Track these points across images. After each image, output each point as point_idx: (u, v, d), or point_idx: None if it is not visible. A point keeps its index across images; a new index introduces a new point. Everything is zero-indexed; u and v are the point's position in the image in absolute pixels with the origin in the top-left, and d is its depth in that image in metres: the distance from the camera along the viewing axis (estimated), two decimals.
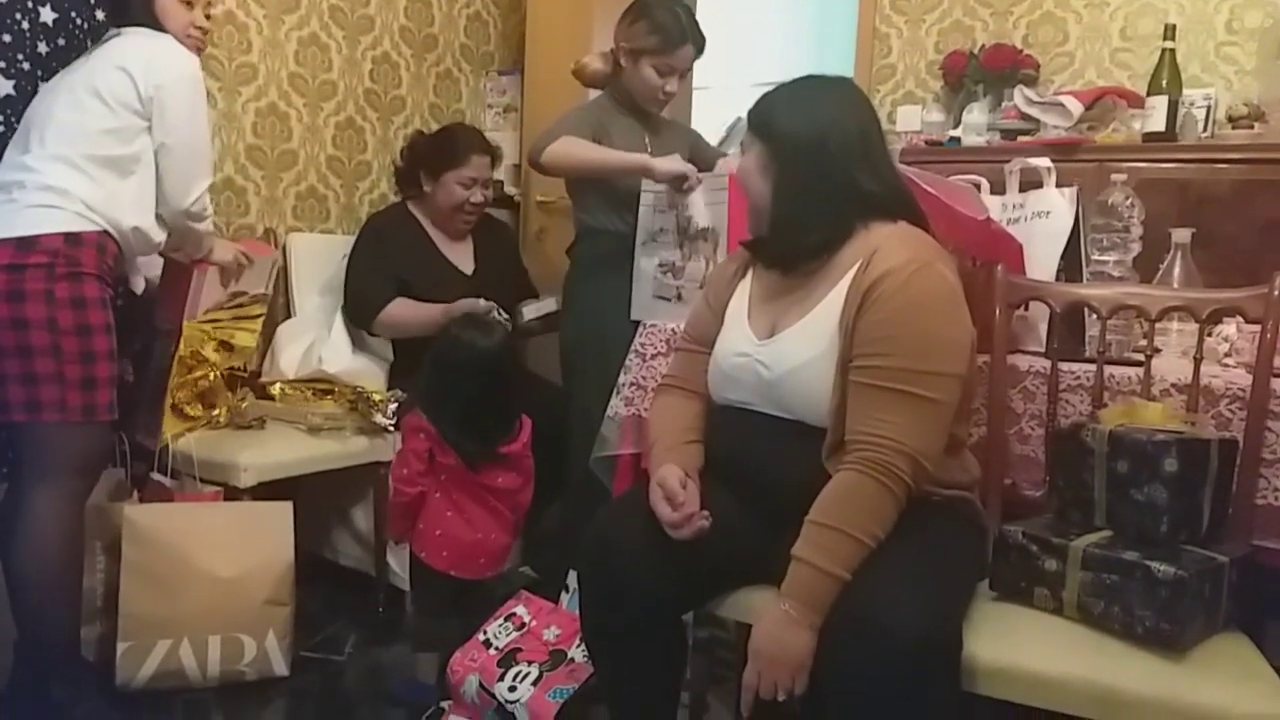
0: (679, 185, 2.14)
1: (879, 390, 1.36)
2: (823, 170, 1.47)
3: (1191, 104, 2.66)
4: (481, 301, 2.51)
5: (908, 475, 1.33)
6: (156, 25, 1.93)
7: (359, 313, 2.64)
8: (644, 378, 2.02)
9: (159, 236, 1.94)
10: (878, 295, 1.38)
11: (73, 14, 2.15)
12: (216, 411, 2.40)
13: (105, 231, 1.80)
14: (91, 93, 1.81)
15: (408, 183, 2.80)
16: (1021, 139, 2.85)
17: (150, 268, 2.17)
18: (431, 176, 2.69)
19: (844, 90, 1.55)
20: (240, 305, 2.35)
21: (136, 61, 1.84)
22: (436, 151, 2.71)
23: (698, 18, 2.43)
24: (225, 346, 2.34)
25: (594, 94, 2.58)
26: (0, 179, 1.80)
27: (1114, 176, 1.85)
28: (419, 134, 2.94)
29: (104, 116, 1.81)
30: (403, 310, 2.60)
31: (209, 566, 2.05)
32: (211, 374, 2.33)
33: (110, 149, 1.82)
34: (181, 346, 2.20)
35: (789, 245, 1.52)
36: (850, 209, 1.48)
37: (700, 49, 2.40)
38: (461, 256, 2.78)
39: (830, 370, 1.42)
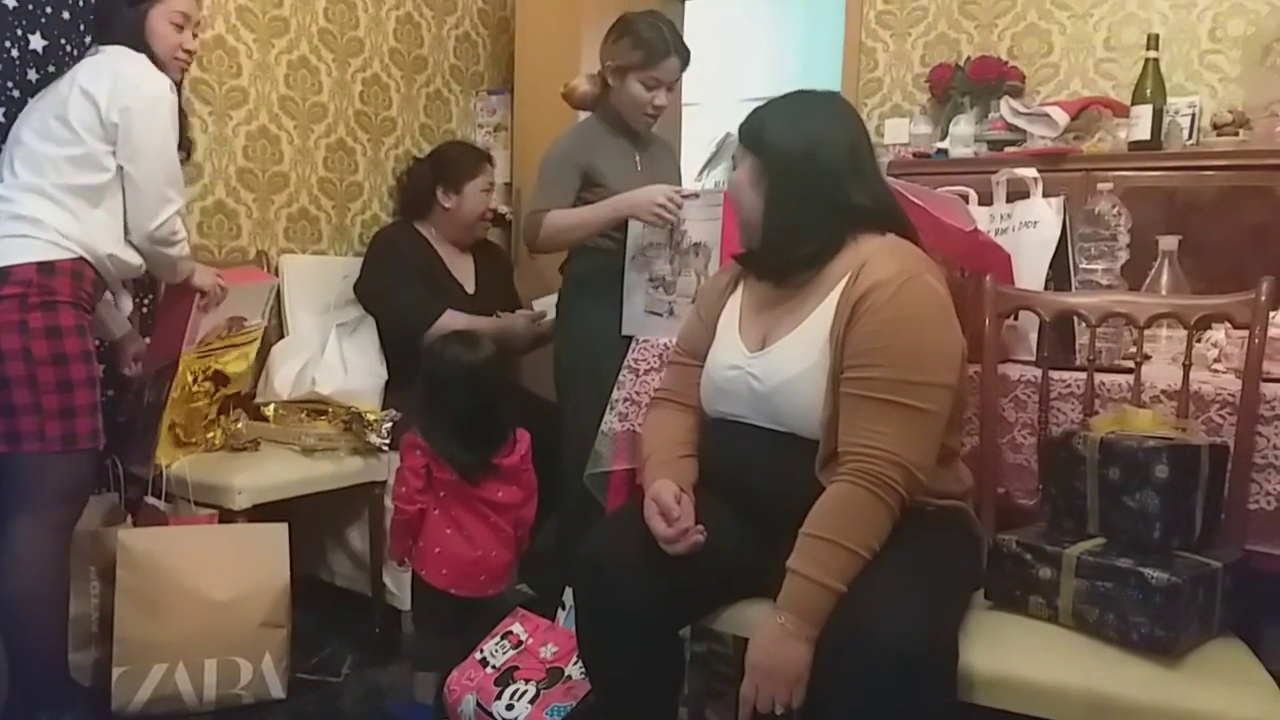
0: (663, 216, 2.15)
1: (870, 401, 1.36)
2: (814, 183, 1.48)
3: (1176, 112, 2.68)
4: (530, 313, 2.70)
5: (901, 486, 1.33)
6: (142, 46, 1.90)
7: (410, 328, 2.63)
8: (637, 393, 2.02)
9: (138, 261, 1.93)
10: (867, 307, 1.38)
11: (62, 41, 2.16)
12: (211, 435, 2.40)
13: (81, 258, 1.79)
14: (59, 119, 1.79)
15: (414, 203, 2.86)
16: (1008, 150, 2.87)
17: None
18: (454, 189, 2.78)
19: (834, 104, 1.57)
20: (238, 333, 2.35)
21: (102, 84, 1.81)
22: (452, 166, 2.81)
23: (686, 35, 2.45)
24: (219, 378, 2.33)
25: (583, 115, 2.59)
26: None
27: (1100, 185, 1.87)
28: (417, 160, 3.03)
29: (70, 144, 1.79)
30: (454, 323, 2.60)
31: (204, 590, 2.04)
32: (207, 406, 2.32)
33: (79, 178, 1.80)
34: (182, 374, 2.20)
35: (781, 257, 1.53)
36: (841, 221, 1.49)
37: (685, 61, 2.42)
38: (465, 275, 2.84)
39: (822, 382, 1.42)
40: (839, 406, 1.40)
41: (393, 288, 2.69)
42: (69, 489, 1.83)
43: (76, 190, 1.80)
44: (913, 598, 1.28)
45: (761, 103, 1.58)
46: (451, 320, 2.61)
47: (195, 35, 2.02)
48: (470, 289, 2.82)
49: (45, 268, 1.73)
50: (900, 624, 1.23)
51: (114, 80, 1.82)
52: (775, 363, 1.49)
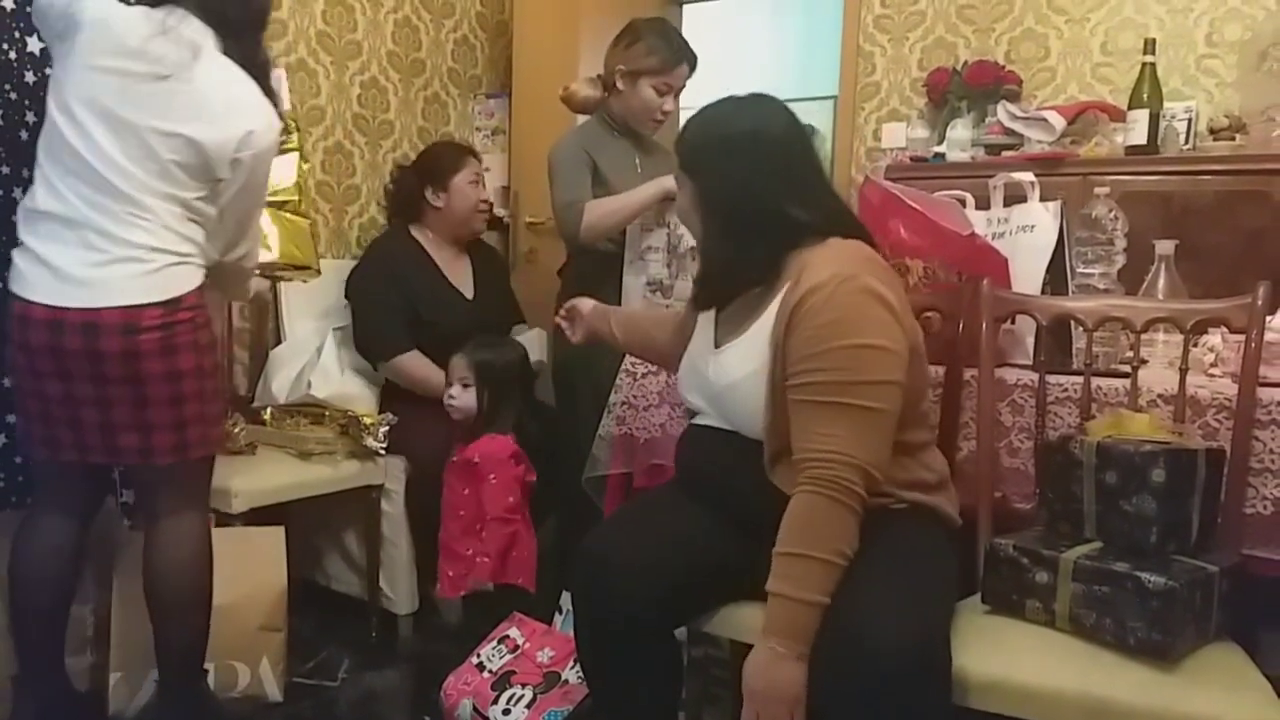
0: None
1: (817, 405, 1.36)
2: (749, 215, 1.47)
3: (1173, 117, 2.69)
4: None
5: (859, 486, 1.33)
6: (263, 58, 1.83)
7: (369, 351, 2.66)
8: (635, 397, 2.02)
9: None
10: (804, 312, 1.38)
11: None
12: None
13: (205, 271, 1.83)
14: (188, 166, 1.71)
15: (406, 206, 2.83)
16: (1005, 154, 2.87)
17: None
18: (441, 187, 2.74)
19: (764, 114, 1.51)
20: None
21: (235, 131, 1.72)
22: (436, 163, 2.78)
23: (685, 38, 2.49)
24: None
25: (582, 116, 2.60)
26: (106, 237, 1.68)
27: (1097, 190, 1.87)
28: (400, 167, 2.97)
29: (200, 187, 1.74)
30: (413, 366, 2.60)
31: None
32: None
33: (208, 211, 1.78)
34: None
35: (720, 292, 1.56)
36: (782, 241, 1.48)
37: (693, 68, 2.47)
38: (462, 280, 2.81)
39: (765, 386, 1.44)
40: (781, 410, 1.41)
41: (368, 308, 2.67)
42: (209, 486, 1.92)
43: (200, 223, 1.78)
44: (898, 605, 1.28)
45: (694, 115, 1.56)
46: (412, 364, 2.59)
47: None
48: (469, 294, 2.80)
49: (198, 290, 1.78)
50: (890, 639, 1.23)
51: (247, 128, 1.73)
52: (725, 364, 1.52)
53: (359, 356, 2.67)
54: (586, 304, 1.98)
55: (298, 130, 2.34)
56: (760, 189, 1.46)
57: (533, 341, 2.79)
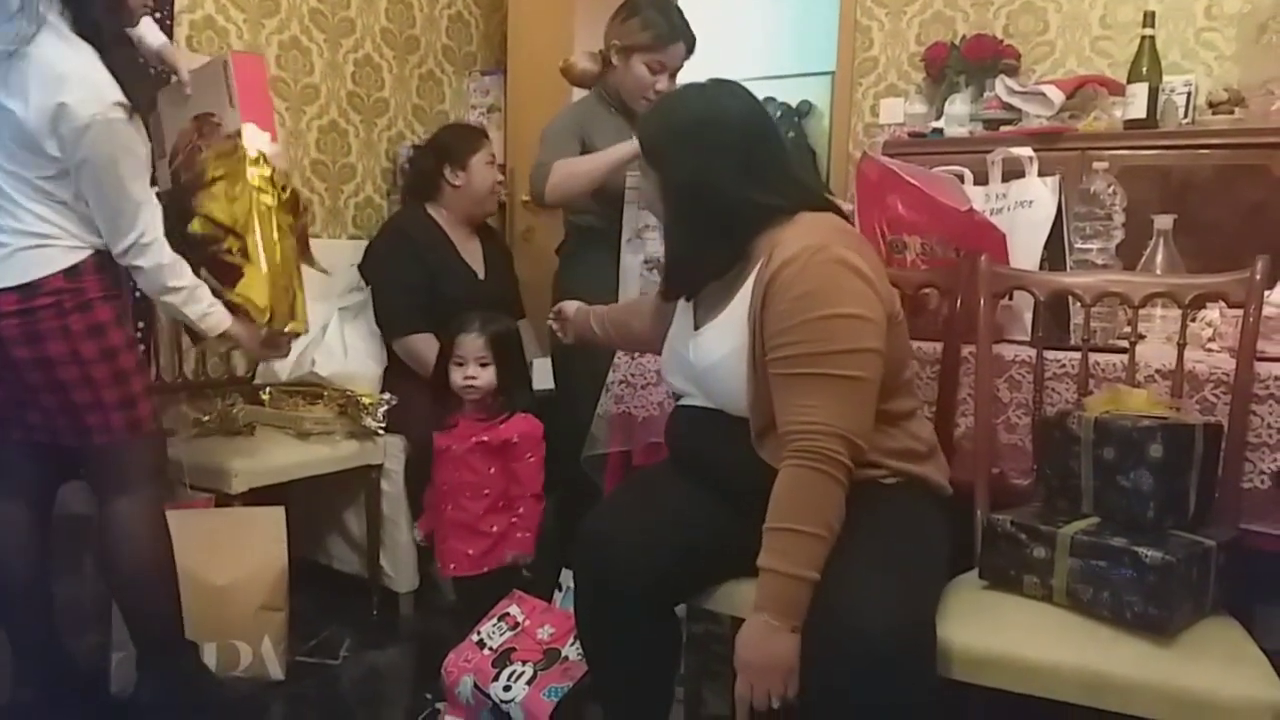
0: None
1: (796, 378, 1.36)
2: (711, 207, 1.47)
3: (1172, 90, 2.68)
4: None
5: (844, 456, 1.33)
6: (100, 28, 1.69)
7: (386, 327, 2.69)
8: (633, 375, 2.02)
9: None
10: (777, 287, 1.38)
11: None
12: (207, 418, 2.40)
13: (100, 251, 1.74)
14: (21, 144, 1.64)
15: (422, 187, 2.86)
16: (1004, 129, 2.87)
17: None
18: (460, 166, 2.78)
19: (721, 100, 1.50)
20: (218, 141, 1.96)
21: (48, 105, 1.60)
22: (454, 143, 2.82)
23: (685, 17, 2.45)
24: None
25: (578, 94, 2.58)
26: None
27: (1096, 164, 1.87)
28: (417, 148, 3.04)
29: (40, 167, 1.66)
30: (423, 347, 2.60)
31: (202, 574, 2.03)
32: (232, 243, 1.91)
33: (62, 193, 1.69)
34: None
35: (686, 281, 1.57)
36: (748, 228, 1.48)
37: (691, 48, 2.43)
38: (475, 260, 2.85)
39: (746, 363, 1.45)
40: (763, 386, 1.41)
41: (387, 285, 2.70)
42: (149, 467, 1.87)
43: (63, 200, 1.70)
44: (891, 591, 1.28)
45: (652, 106, 1.58)
46: (423, 345, 2.59)
47: None
48: (481, 274, 2.84)
49: (70, 272, 1.69)
50: (879, 621, 1.23)
51: (60, 101, 1.61)
52: (706, 344, 1.52)
53: (363, 337, 2.68)
54: (571, 306, 2.01)
55: (246, 157, 1.91)
56: (721, 179, 1.45)
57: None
